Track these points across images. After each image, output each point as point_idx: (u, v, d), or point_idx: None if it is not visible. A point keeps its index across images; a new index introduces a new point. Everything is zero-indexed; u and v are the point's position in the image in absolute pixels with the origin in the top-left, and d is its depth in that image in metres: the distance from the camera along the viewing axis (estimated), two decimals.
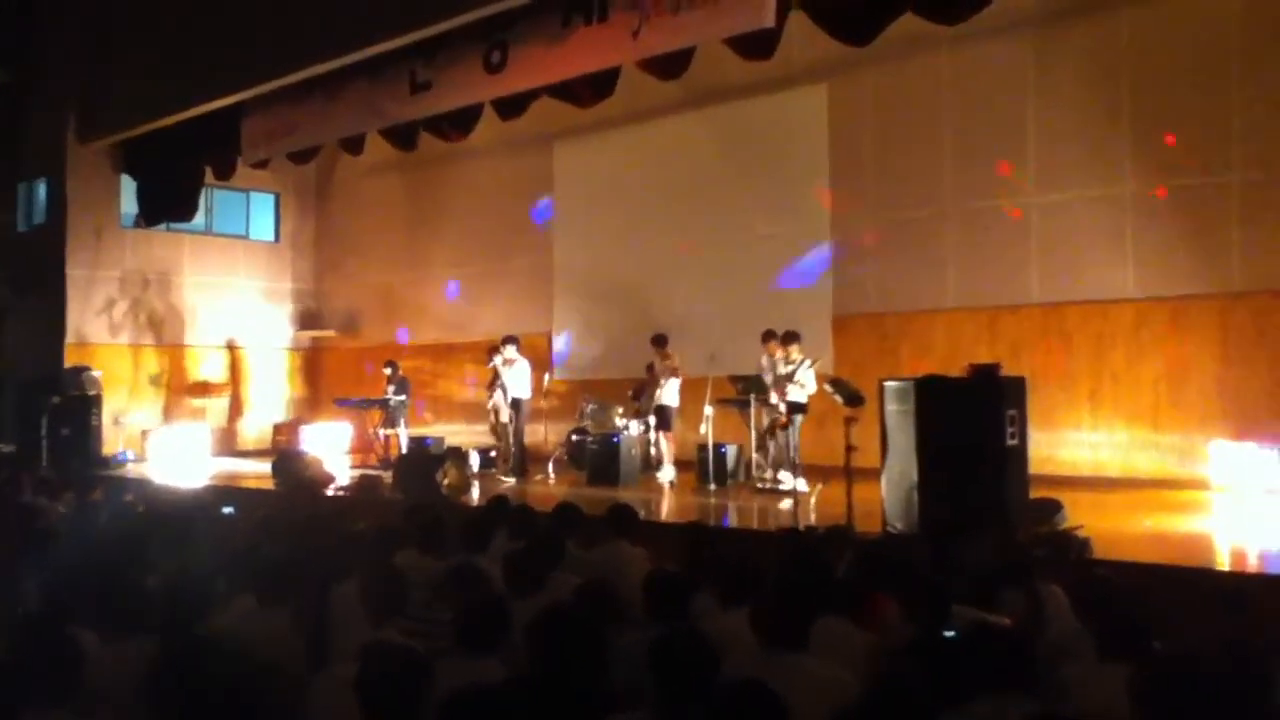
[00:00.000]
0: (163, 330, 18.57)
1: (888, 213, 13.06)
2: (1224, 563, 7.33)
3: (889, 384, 7.90)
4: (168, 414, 18.39)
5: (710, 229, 14.61)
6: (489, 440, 14.00)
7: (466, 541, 5.93)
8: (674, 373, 12.19)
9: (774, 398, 11.01)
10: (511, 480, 12.69)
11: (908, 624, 4.24)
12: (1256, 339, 10.53)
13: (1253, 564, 7.39)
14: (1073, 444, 11.50)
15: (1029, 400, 7.64)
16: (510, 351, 13.06)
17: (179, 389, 18.69)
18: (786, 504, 9.56)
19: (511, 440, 13.17)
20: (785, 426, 10.87)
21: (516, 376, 13.03)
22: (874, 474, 7.95)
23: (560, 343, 16.42)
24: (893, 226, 13.00)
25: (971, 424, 7.29)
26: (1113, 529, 7.88)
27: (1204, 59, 10.91)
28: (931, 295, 12.61)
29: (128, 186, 18.00)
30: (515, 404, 13.04)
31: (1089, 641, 3.81)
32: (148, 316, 18.39)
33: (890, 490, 7.74)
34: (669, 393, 12.22)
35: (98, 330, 17.78)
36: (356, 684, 3.12)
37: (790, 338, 11.14)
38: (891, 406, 7.79)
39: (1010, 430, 7.27)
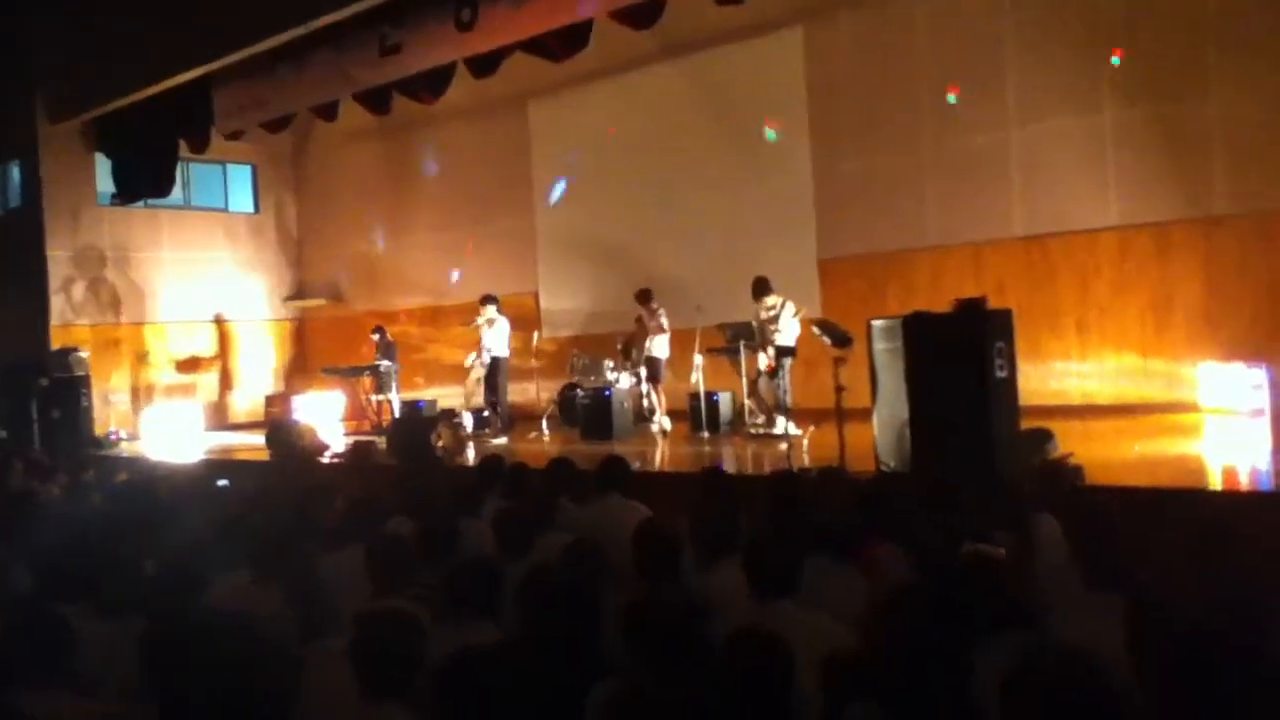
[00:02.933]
0: (148, 307, 18.47)
1: (868, 154, 12.97)
2: (1215, 483, 7.37)
3: (876, 323, 7.90)
4: (158, 391, 18.35)
5: (691, 179, 14.51)
6: (477, 402, 13.97)
7: (459, 503, 5.93)
8: (660, 329, 12.15)
9: (761, 354, 10.97)
10: (501, 440, 12.70)
11: (907, 567, 4.24)
12: (1241, 261, 10.52)
13: (1244, 483, 7.42)
14: (1061, 375, 11.52)
15: (1016, 333, 7.64)
16: (490, 311, 13.06)
17: (168, 366, 18.63)
18: (780, 448, 9.58)
19: (497, 399, 13.19)
20: (773, 372, 10.86)
21: (495, 336, 13.05)
22: (865, 414, 7.98)
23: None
24: (873, 167, 12.91)
25: (959, 358, 7.27)
26: (1104, 456, 7.91)
27: None
28: (914, 234, 12.54)
29: (102, 165, 17.83)
30: (494, 363, 13.05)
31: (1079, 571, 3.82)
32: (131, 294, 18.28)
33: (882, 429, 7.77)
34: (658, 345, 12.22)
35: (82, 311, 17.68)
36: (350, 651, 3.12)
37: (761, 287, 11.06)
38: (880, 345, 7.79)
39: (999, 362, 7.25)
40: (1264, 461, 7.90)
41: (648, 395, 12.50)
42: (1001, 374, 7.24)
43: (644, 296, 12.40)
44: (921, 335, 7.45)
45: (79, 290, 17.68)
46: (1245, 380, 9.94)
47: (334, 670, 3.21)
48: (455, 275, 17.44)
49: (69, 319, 17.49)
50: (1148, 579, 3.67)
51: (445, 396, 15.70)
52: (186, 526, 5.89)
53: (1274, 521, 5.76)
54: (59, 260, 17.50)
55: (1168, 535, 4.63)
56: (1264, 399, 9.18)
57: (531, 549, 4.71)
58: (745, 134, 14.00)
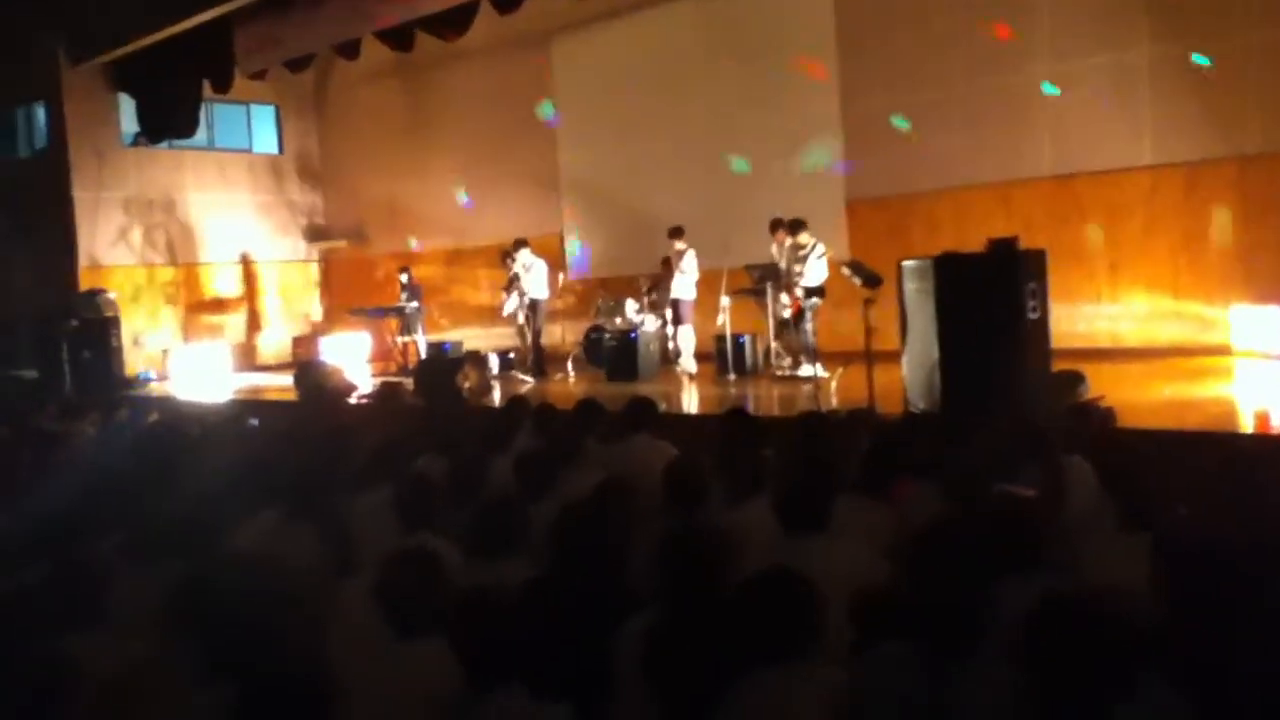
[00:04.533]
0: (174, 248, 18.54)
1: (896, 92, 12.75)
2: (1246, 426, 7.30)
3: (907, 263, 7.79)
4: (186, 333, 18.47)
5: (717, 119, 14.33)
6: (505, 343, 14.03)
7: (487, 442, 5.94)
8: (681, 270, 12.03)
9: (784, 295, 10.94)
10: (531, 380, 12.74)
11: (940, 501, 4.22)
12: (1275, 201, 10.33)
13: (1276, 426, 7.34)
14: (1091, 316, 11.40)
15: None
16: (525, 255, 13.05)
17: (195, 307, 18.73)
18: (807, 390, 9.56)
19: (529, 341, 13.23)
20: (801, 313, 10.82)
21: (535, 278, 13.05)
22: (894, 356, 7.90)
23: (574, 248, 16.29)
24: (902, 105, 12.70)
25: (991, 299, 7.19)
26: (1135, 398, 7.85)
27: None
28: (942, 174, 12.35)
29: (126, 105, 17.81)
30: (533, 305, 13.08)
31: (1112, 512, 3.80)
32: (157, 236, 18.34)
33: (911, 370, 7.70)
34: (683, 286, 12.11)
35: (109, 252, 17.76)
36: (375, 590, 3.14)
37: (797, 226, 11.01)
38: (910, 286, 7.69)
39: (1031, 304, 7.17)
40: None
41: (673, 337, 12.45)
42: (1034, 315, 7.16)
43: (676, 233, 12.22)
44: (953, 276, 7.35)
45: (105, 232, 17.74)
46: (1278, 323, 9.82)
47: (366, 607, 3.23)
48: (479, 216, 17.33)
49: (96, 260, 17.58)
50: (1181, 519, 3.64)
51: (470, 337, 15.74)
52: (216, 466, 5.93)
53: None
54: (85, 202, 17.54)
55: (1199, 477, 4.60)
56: None
57: (558, 487, 4.72)
58: (773, 73, 13.77)
